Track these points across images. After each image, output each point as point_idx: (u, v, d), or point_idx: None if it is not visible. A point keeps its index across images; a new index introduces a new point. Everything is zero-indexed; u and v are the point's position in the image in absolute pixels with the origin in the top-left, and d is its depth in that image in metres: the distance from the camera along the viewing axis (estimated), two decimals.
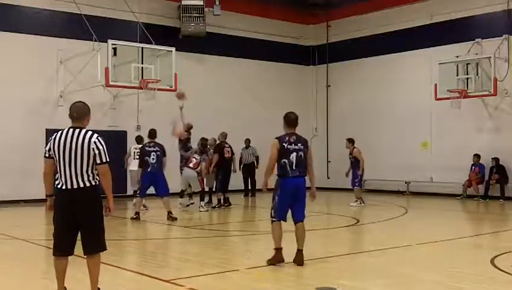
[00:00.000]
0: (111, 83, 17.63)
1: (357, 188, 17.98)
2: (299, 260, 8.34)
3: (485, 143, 20.20)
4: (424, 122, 21.95)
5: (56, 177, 6.17)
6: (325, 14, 25.52)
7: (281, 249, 8.38)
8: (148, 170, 14.23)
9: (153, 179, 14.30)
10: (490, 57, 19.59)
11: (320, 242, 11.51)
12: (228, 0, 22.72)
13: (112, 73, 17.45)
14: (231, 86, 23.65)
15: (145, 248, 11.10)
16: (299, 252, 8.38)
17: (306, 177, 8.57)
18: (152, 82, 18.07)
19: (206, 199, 17.07)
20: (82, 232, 6.16)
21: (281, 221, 8.43)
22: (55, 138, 6.13)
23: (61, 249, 6.16)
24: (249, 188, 21.40)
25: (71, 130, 6.13)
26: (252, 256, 9.32)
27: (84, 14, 18.92)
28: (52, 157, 6.15)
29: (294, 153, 8.35)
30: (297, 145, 8.41)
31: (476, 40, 20.50)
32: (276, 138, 8.46)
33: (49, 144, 6.18)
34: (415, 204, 19.26)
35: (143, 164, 14.31)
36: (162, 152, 14.37)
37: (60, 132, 6.16)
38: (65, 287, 6.27)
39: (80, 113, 6.23)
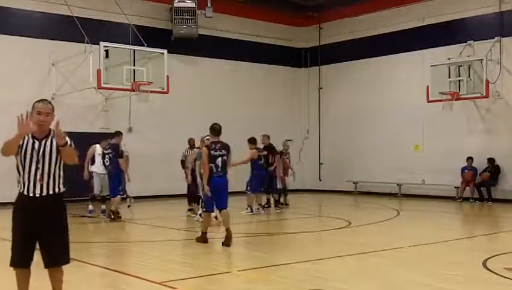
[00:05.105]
0: (103, 85, 17.58)
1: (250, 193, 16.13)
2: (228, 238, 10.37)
3: (477, 145, 20.23)
4: (416, 125, 21.94)
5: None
6: (317, 16, 25.53)
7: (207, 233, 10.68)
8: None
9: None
10: (482, 59, 19.59)
11: (312, 244, 11.55)
12: (220, 3, 22.68)
13: (103, 75, 17.39)
14: (223, 88, 23.61)
15: (136, 250, 11.03)
16: (228, 230, 10.41)
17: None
18: (144, 84, 18.03)
19: None
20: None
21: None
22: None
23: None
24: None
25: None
26: (244, 258, 9.28)
27: (76, 17, 18.84)
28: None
29: (220, 158, 10.53)
30: (221, 151, 10.57)
31: (468, 42, 20.55)
32: (205, 146, 10.71)
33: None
34: (407, 206, 19.27)
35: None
36: (115, 154, 14.74)
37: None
38: None
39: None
